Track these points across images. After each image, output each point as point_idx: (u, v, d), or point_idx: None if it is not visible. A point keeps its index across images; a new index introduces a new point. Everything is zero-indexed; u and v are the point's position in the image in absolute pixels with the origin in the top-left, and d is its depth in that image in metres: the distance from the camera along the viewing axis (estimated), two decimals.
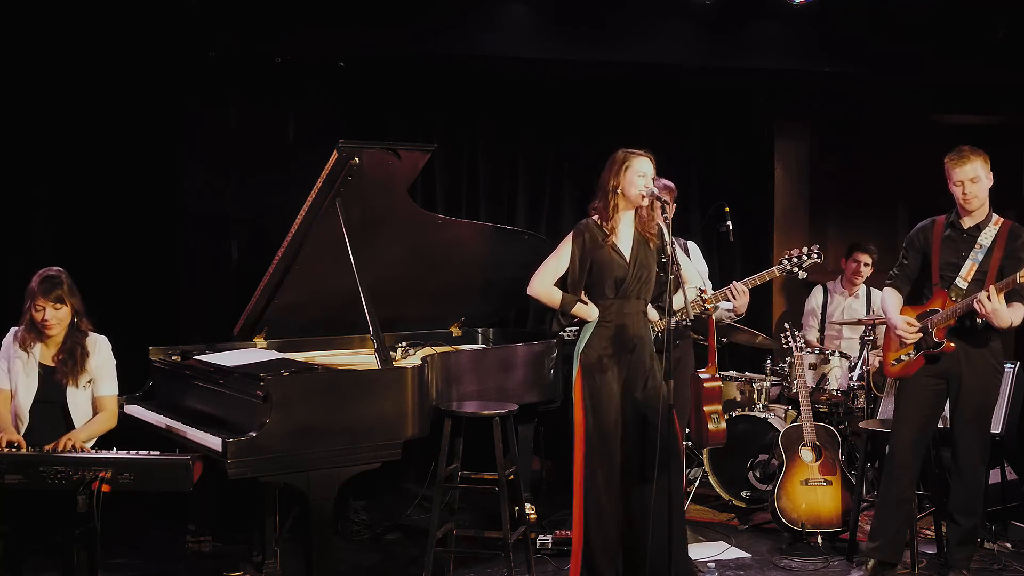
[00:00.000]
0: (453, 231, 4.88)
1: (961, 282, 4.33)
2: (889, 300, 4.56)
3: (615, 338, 4.14)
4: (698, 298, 4.19)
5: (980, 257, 4.32)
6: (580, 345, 4.20)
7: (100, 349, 4.14)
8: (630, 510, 4.10)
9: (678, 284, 3.98)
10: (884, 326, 4.69)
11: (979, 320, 4.22)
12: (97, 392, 4.13)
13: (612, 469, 4.10)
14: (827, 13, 6.25)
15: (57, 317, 4.02)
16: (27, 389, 4.05)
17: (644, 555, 3.93)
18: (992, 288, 4.15)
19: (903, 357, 4.45)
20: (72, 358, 4.06)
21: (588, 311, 4.19)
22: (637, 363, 4.12)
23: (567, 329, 4.57)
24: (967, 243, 4.36)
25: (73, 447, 3.79)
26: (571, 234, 4.25)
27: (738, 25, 6.28)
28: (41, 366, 4.08)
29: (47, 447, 3.77)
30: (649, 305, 4.21)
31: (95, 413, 4.12)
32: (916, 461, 4.47)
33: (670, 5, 6.16)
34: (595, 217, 4.23)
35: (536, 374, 4.97)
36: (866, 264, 6.12)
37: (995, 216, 4.39)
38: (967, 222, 4.38)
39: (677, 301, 4.01)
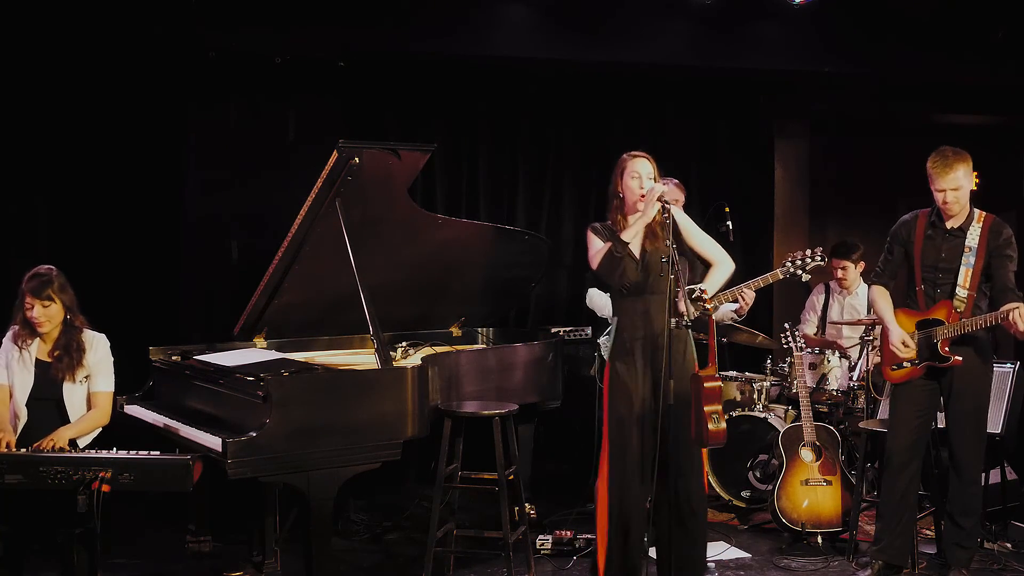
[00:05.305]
0: (453, 231, 4.87)
1: (962, 291, 4.28)
2: (880, 301, 4.53)
3: (635, 335, 4.12)
4: (698, 298, 4.17)
5: (972, 261, 4.28)
6: (607, 347, 4.23)
7: (98, 346, 4.16)
8: (658, 503, 4.09)
9: (678, 284, 3.97)
10: (882, 325, 4.65)
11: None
12: (93, 388, 4.14)
13: (633, 463, 4.10)
14: (827, 13, 6.26)
15: (47, 315, 4.03)
16: (23, 385, 4.07)
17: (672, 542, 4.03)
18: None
19: (905, 364, 4.42)
20: (68, 354, 4.08)
21: None
22: (664, 355, 3.99)
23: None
24: (952, 244, 4.32)
25: (58, 447, 3.80)
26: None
27: (738, 25, 6.29)
28: (38, 362, 4.09)
29: (32, 446, 3.79)
30: (680, 295, 4.06)
31: (90, 409, 4.12)
32: (916, 462, 4.45)
33: (670, 5, 6.17)
34: (608, 221, 4.24)
35: (536, 374, 4.97)
36: (843, 268, 6.02)
37: (977, 212, 4.34)
38: (950, 223, 4.34)
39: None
